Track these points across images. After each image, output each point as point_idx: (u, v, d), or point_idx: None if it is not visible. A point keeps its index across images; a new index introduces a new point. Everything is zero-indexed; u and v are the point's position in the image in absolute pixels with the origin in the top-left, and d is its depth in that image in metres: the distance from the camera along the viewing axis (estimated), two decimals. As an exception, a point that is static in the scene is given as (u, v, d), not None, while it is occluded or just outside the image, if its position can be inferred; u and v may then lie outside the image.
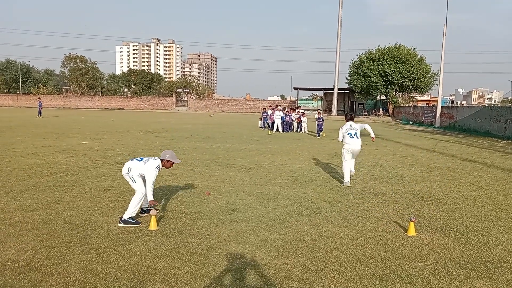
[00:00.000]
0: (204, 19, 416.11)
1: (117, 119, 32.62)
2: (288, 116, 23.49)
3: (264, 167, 10.18)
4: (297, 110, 24.87)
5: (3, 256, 4.16)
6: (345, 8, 53.34)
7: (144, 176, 5.37)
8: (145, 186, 5.37)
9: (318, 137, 19.60)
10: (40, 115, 32.58)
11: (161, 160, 5.55)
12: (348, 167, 8.39)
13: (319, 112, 22.04)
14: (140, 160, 5.47)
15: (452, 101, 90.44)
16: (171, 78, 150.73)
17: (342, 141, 8.72)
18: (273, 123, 23.46)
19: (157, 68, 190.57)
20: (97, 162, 10.21)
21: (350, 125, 8.62)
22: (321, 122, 20.40)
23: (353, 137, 8.49)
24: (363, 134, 9.02)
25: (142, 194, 5.31)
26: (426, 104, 60.28)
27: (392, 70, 47.32)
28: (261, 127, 25.74)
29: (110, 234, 4.92)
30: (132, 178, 5.34)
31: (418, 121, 39.76)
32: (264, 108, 26.73)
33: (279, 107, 24.71)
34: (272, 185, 8.02)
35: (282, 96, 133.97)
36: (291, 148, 14.71)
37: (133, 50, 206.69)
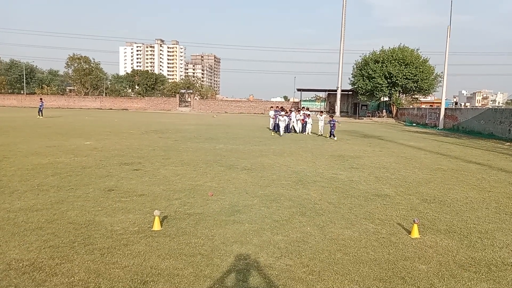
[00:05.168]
0: (208, 20, 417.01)
1: (120, 120, 32.72)
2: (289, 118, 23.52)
3: (267, 168, 10.18)
4: (301, 112, 24.86)
5: (7, 256, 4.18)
6: (348, 9, 53.22)
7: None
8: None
9: (335, 139, 19.47)
10: (41, 114, 32.65)
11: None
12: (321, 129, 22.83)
13: (331, 116, 22.36)
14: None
15: (456, 103, 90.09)
16: (175, 79, 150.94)
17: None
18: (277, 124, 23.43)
19: (160, 69, 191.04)
20: (101, 162, 10.24)
21: (325, 116, 24.56)
22: (333, 124, 20.47)
23: (321, 120, 23.60)
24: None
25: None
26: (430, 106, 60.15)
27: (396, 72, 47.26)
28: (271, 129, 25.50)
29: (114, 234, 4.93)
30: None
31: (422, 122, 39.65)
32: (277, 107, 26.02)
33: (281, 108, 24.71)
34: (275, 186, 8.02)
35: (285, 97, 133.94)
36: (294, 149, 14.70)
37: (137, 51, 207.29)
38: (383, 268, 4.19)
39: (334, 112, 53.27)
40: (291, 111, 26.47)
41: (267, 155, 12.59)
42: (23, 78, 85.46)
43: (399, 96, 52.04)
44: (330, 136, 20.13)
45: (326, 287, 3.74)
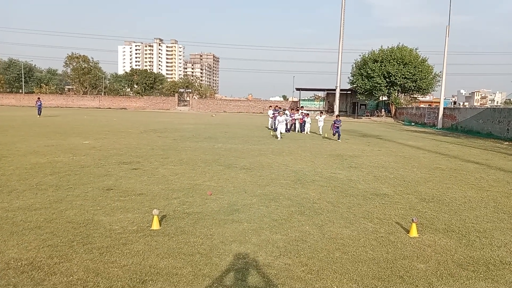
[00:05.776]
0: (208, 20, 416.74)
1: (119, 119, 32.68)
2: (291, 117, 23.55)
3: (266, 167, 10.19)
4: (300, 111, 24.90)
5: (6, 255, 4.18)
6: (348, 9, 53.13)
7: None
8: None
9: (340, 141, 18.32)
10: (39, 113, 32.75)
11: None
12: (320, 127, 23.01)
13: (337, 116, 20.47)
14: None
15: (455, 102, 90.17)
16: (173, 78, 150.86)
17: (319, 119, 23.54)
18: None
19: (159, 68, 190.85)
20: (99, 161, 10.23)
21: (325, 116, 25.54)
22: (338, 125, 18.88)
23: (321, 120, 23.19)
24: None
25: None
26: (429, 105, 60.25)
27: (395, 71, 47.32)
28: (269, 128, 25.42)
29: (113, 233, 4.93)
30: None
31: (420, 122, 39.70)
32: (276, 107, 25.99)
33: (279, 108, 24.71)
34: (274, 185, 8.03)
35: (284, 97, 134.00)
36: (293, 148, 14.71)
37: (136, 50, 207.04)
38: (382, 267, 4.20)
39: (333, 112, 53.31)
40: (284, 110, 26.53)
41: (266, 154, 12.60)
42: (22, 77, 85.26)
43: (397, 95, 52.10)
44: (337, 139, 18.65)
45: (325, 286, 3.74)
